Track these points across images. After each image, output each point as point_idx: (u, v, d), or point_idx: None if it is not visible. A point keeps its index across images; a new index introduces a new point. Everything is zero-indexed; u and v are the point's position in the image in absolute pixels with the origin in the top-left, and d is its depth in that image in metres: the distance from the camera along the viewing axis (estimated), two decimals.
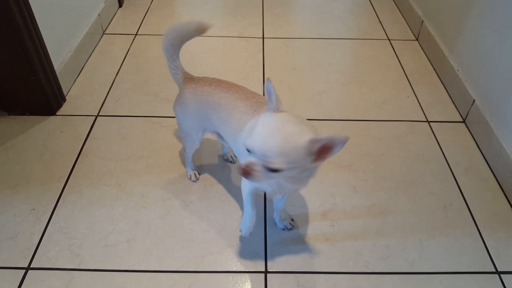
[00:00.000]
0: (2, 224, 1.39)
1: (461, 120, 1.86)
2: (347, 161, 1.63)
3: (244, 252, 1.33)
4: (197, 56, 2.20)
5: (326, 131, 1.75)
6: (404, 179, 1.57)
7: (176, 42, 1.33)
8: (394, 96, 1.99)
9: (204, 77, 1.36)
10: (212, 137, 1.49)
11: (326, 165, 1.61)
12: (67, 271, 1.27)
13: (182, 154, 1.64)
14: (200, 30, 1.33)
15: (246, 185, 1.22)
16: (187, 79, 1.36)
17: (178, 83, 1.39)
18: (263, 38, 2.41)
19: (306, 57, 2.27)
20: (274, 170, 0.93)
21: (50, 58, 1.75)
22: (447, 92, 2.01)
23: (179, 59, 1.37)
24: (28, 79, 1.69)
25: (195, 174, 1.55)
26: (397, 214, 1.45)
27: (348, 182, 1.55)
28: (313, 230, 1.39)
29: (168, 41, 1.32)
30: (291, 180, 1.08)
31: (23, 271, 1.27)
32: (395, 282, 1.26)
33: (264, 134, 0.94)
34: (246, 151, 0.97)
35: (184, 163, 1.59)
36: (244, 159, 0.97)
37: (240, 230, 1.29)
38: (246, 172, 0.96)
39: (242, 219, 1.28)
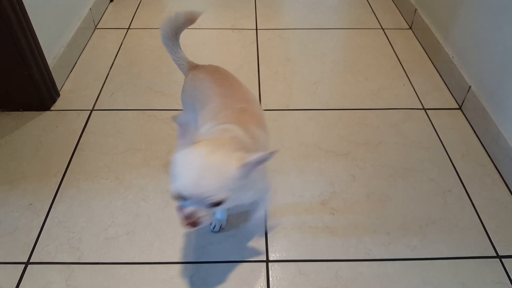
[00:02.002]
0: (1, 220, 1.38)
1: (457, 107, 1.86)
2: (345, 150, 1.63)
3: (245, 242, 1.33)
4: (191, 49, 2.16)
5: (323, 121, 1.77)
6: (402, 166, 1.57)
7: (171, 35, 1.33)
8: (390, 85, 1.99)
9: (208, 65, 1.36)
10: None
11: (324, 154, 1.61)
12: (67, 265, 1.26)
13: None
14: (190, 20, 1.34)
15: None
16: (191, 67, 1.36)
17: (184, 73, 1.39)
18: (256, 29, 2.40)
19: (300, 48, 2.27)
20: (218, 204, 0.87)
21: (43, 53, 1.73)
22: (443, 79, 2.02)
23: (180, 49, 1.37)
24: (22, 74, 1.67)
25: None
26: (397, 201, 1.45)
27: (346, 171, 1.55)
28: (313, 219, 1.39)
29: (164, 35, 1.33)
30: (243, 194, 1.00)
31: (23, 265, 1.26)
32: (396, 268, 1.26)
33: (194, 177, 0.84)
34: (177, 199, 0.88)
35: None
36: (181, 211, 0.88)
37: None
38: (193, 224, 0.88)
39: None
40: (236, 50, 2.23)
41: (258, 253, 1.30)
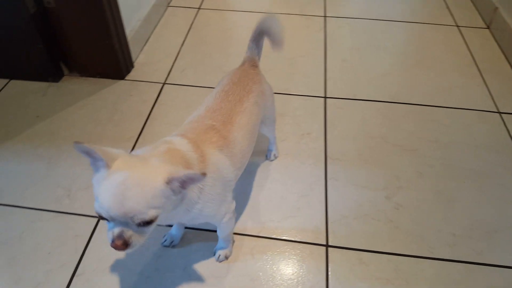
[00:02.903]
0: (77, 176, 1.47)
1: None
2: (413, 146, 1.60)
3: (305, 225, 1.34)
4: None
5: (391, 114, 1.74)
6: (472, 169, 1.53)
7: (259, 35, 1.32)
8: (462, 84, 1.92)
9: (243, 68, 1.29)
10: None
11: (390, 148, 1.59)
12: None
13: None
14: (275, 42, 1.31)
15: None
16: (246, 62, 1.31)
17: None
18: (325, 16, 2.38)
19: (370, 38, 2.23)
20: (147, 223, 0.80)
21: (123, 25, 1.80)
22: None
23: (255, 45, 1.32)
24: (103, 43, 1.75)
25: None
26: (465, 203, 1.42)
27: (413, 167, 1.53)
28: (376, 211, 1.38)
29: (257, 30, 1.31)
30: (183, 213, 0.95)
31: (96, 219, 1.34)
32: (460, 270, 1.24)
33: (114, 196, 0.76)
34: (102, 219, 0.81)
35: None
36: (108, 232, 0.81)
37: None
38: (124, 247, 0.80)
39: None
40: (303, 36, 2.22)
41: (318, 236, 1.31)
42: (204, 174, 0.78)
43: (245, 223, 1.34)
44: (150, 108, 1.72)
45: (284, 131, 1.65)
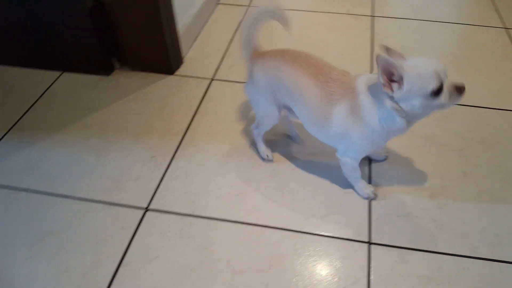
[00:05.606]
0: (126, 167, 1.53)
1: None
2: (458, 146, 1.59)
3: (348, 221, 1.36)
4: (305, 30, 2.23)
5: (437, 114, 1.70)
6: None
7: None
8: (510, 86, 1.89)
9: (271, 50, 1.37)
10: None
11: (436, 147, 1.59)
12: (181, 216, 1.38)
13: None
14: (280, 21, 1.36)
15: (350, 160, 1.34)
16: (255, 54, 1.37)
17: (246, 59, 1.40)
18: (372, 16, 2.38)
19: (417, 38, 2.21)
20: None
21: (175, 21, 1.86)
22: None
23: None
24: (155, 38, 1.82)
25: (268, 154, 1.55)
26: (509, 204, 1.40)
27: (458, 167, 1.52)
28: (420, 210, 1.39)
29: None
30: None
31: (143, 211, 1.39)
32: (504, 271, 1.23)
33: (434, 61, 1.11)
34: (434, 96, 1.10)
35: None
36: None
37: (368, 198, 1.41)
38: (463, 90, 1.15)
39: (359, 188, 1.41)
40: (351, 35, 2.23)
41: (360, 233, 1.33)
42: None
43: (289, 218, 1.37)
44: (198, 103, 1.78)
45: None
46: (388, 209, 1.39)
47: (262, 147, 1.54)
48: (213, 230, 1.34)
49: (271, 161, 1.54)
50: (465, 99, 1.78)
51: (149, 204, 1.41)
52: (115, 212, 1.39)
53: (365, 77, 1.21)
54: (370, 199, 1.42)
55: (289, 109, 1.40)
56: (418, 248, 1.29)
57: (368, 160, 1.54)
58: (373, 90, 1.18)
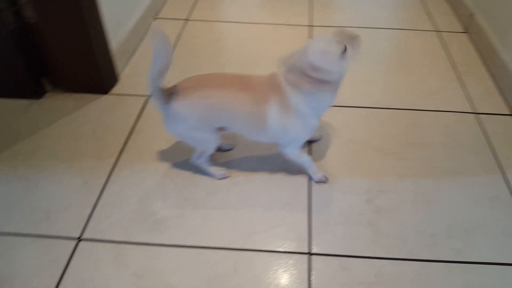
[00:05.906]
0: (57, 196, 1.45)
1: (510, 113, 1.81)
2: (393, 149, 1.63)
3: (288, 233, 1.36)
4: (245, 43, 2.23)
5: (373, 119, 1.77)
6: (450, 169, 1.55)
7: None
8: (442, 87, 1.96)
9: (177, 84, 1.33)
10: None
11: (371, 152, 1.62)
12: (116, 243, 1.32)
13: (235, 137, 1.65)
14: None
15: (291, 149, 1.41)
16: (168, 94, 1.31)
17: (160, 104, 1.31)
18: (310, 26, 2.41)
19: None
20: None
21: (106, 39, 1.81)
22: (497, 85, 1.97)
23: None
24: (86, 57, 1.75)
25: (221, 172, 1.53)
26: (443, 203, 1.44)
27: (394, 170, 1.55)
28: (358, 216, 1.40)
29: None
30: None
31: (75, 241, 1.33)
32: (439, 270, 1.26)
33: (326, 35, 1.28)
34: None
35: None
36: None
37: (320, 181, 1.49)
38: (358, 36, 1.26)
39: (312, 172, 1.48)
40: (289, 45, 2.24)
41: (301, 245, 1.32)
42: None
43: (229, 236, 1.34)
44: (133, 122, 1.73)
45: None
46: (327, 217, 1.40)
47: (213, 169, 1.52)
48: (150, 256, 1.29)
49: (228, 177, 1.53)
50: (399, 103, 1.86)
51: (81, 234, 1.35)
52: (45, 244, 1.31)
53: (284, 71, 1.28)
54: (322, 182, 1.50)
55: (223, 128, 1.39)
56: (357, 254, 1.30)
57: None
58: (293, 80, 1.25)
